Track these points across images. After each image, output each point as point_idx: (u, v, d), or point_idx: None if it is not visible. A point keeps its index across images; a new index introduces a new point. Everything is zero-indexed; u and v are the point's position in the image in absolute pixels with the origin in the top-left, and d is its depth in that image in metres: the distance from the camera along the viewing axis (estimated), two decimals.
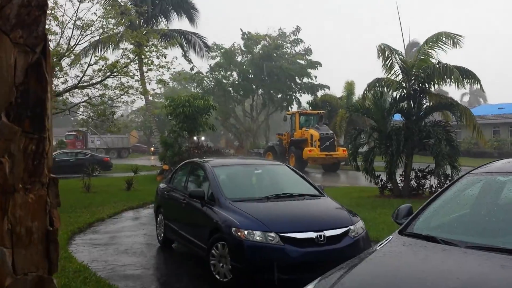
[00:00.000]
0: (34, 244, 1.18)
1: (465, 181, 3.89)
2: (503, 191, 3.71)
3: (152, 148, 49.99)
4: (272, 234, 5.38)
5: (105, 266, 6.85)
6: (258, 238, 5.38)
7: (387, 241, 3.29)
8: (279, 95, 42.85)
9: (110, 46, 15.30)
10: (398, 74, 13.30)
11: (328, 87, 41.29)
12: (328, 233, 5.52)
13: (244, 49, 41.68)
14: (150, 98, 29.53)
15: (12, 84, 1.08)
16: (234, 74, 42.79)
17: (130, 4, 22.94)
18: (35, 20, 1.09)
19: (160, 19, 29.24)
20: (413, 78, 13.05)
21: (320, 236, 5.44)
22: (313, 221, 5.75)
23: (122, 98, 15.12)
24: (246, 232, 5.42)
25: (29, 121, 1.16)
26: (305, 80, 41.69)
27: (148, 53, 14.54)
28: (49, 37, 14.28)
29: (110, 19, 13.95)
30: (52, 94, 1.19)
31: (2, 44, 1.08)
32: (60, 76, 14.29)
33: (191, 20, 29.93)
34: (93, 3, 13.70)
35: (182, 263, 7.32)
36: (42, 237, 1.18)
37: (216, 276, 5.74)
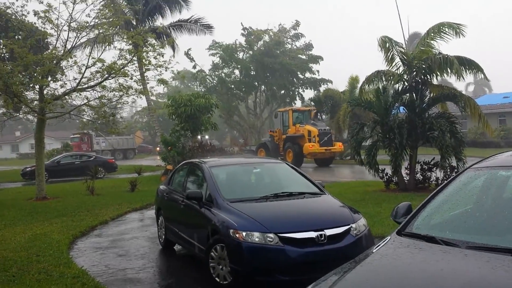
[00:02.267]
0: None
1: (466, 176, 3.73)
2: (506, 186, 3.55)
3: (158, 148, 50.07)
4: (271, 235, 5.25)
5: (106, 270, 6.78)
6: (256, 239, 5.26)
7: (384, 242, 3.15)
8: (282, 91, 42.70)
9: (107, 47, 15.16)
10: (399, 66, 13.12)
11: (331, 82, 41.20)
12: (328, 232, 5.39)
13: (246, 45, 41.49)
14: (153, 98, 29.48)
15: None
16: (236, 71, 42.66)
17: (125, 4, 22.79)
18: None
19: (156, 16, 29.03)
20: (414, 70, 12.84)
21: (321, 235, 5.32)
22: (313, 220, 5.61)
23: (122, 99, 15.00)
24: (244, 233, 5.30)
25: None
26: (308, 75, 41.52)
27: (145, 53, 14.41)
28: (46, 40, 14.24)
29: (104, 20, 13.86)
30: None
31: None
32: (59, 79, 14.25)
33: (181, 9, 29.65)
34: (87, 4, 13.62)
35: (183, 265, 7.22)
36: None
37: (216, 278, 5.64)
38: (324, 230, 5.37)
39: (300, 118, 28.25)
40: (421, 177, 13.00)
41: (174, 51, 29.17)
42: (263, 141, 31.73)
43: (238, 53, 42.06)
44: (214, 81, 42.22)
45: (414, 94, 13.01)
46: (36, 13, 13.54)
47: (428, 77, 12.86)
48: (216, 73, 41.98)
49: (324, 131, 25.90)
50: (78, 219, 10.87)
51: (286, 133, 27.86)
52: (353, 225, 5.64)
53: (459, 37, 12.25)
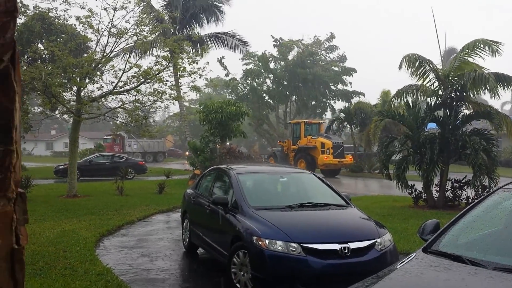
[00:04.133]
0: None
1: (497, 196, 3.64)
2: None
3: (187, 153, 50.56)
4: (294, 245, 5.24)
5: (129, 269, 6.90)
6: (279, 248, 5.26)
7: (409, 259, 3.11)
8: (313, 102, 42.52)
9: (144, 53, 15.56)
10: (434, 82, 12.88)
11: (363, 94, 40.67)
12: (352, 245, 5.34)
13: (278, 56, 41.58)
14: (186, 104, 29.86)
15: None
16: (268, 81, 42.80)
17: (165, 12, 23.37)
18: (3, 27, 1.04)
19: (193, 25, 29.50)
20: (449, 85, 12.58)
21: (344, 248, 5.27)
22: (337, 232, 5.58)
23: (155, 104, 15.32)
24: (267, 241, 5.31)
25: None
26: (340, 86, 41.20)
27: (180, 60, 14.69)
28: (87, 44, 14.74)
29: (144, 27, 14.25)
30: (20, 105, 1.13)
31: None
32: (96, 82, 14.70)
33: (217, 21, 30.02)
34: (127, 11, 14.04)
35: (205, 269, 7.28)
36: (6, 256, 1.12)
37: (237, 284, 5.66)
38: (348, 243, 5.32)
39: (309, 131, 29.53)
40: (451, 195, 12.67)
41: (202, 57, 29.67)
42: (273, 150, 32.89)
43: (270, 63, 42.20)
44: (246, 90, 42.48)
45: (448, 110, 12.73)
46: (78, 19, 14.09)
47: (464, 93, 12.57)
48: (248, 81, 42.23)
49: (337, 144, 27.38)
50: (106, 218, 11.10)
51: (297, 144, 28.90)
52: (378, 240, 5.56)
53: (495, 56, 11.91)
